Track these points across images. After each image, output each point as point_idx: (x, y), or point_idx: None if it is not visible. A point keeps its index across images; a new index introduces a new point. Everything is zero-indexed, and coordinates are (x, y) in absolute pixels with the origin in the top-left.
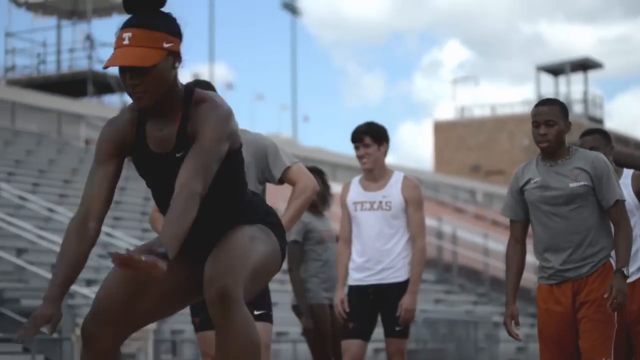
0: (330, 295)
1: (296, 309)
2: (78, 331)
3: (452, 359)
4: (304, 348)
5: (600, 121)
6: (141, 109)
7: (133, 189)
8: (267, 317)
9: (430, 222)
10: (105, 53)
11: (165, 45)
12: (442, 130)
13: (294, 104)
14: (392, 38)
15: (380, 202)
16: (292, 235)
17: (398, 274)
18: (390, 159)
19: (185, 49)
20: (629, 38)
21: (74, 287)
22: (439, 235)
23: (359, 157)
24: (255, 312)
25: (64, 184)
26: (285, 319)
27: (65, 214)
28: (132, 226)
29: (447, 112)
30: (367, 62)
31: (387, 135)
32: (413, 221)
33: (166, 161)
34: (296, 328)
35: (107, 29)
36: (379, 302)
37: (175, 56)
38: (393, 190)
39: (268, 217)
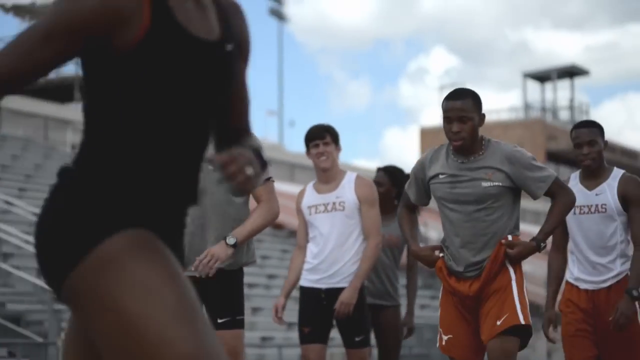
0: (376, 301)
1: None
2: (63, 335)
3: None
4: (289, 353)
5: None
6: None
7: None
8: (235, 324)
9: None
10: None
11: None
12: (428, 136)
13: (280, 110)
14: (378, 45)
15: (334, 203)
16: None
17: (350, 279)
18: (375, 164)
19: None
20: (615, 45)
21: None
22: (425, 240)
23: (319, 155)
24: (219, 320)
25: None
26: (271, 324)
27: None
28: None
29: (433, 119)
30: (353, 68)
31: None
32: (366, 219)
33: (213, 56)
34: (281, 333)
35: None
36: (332, 307)
37: None
38: (346, 190)
39: None
